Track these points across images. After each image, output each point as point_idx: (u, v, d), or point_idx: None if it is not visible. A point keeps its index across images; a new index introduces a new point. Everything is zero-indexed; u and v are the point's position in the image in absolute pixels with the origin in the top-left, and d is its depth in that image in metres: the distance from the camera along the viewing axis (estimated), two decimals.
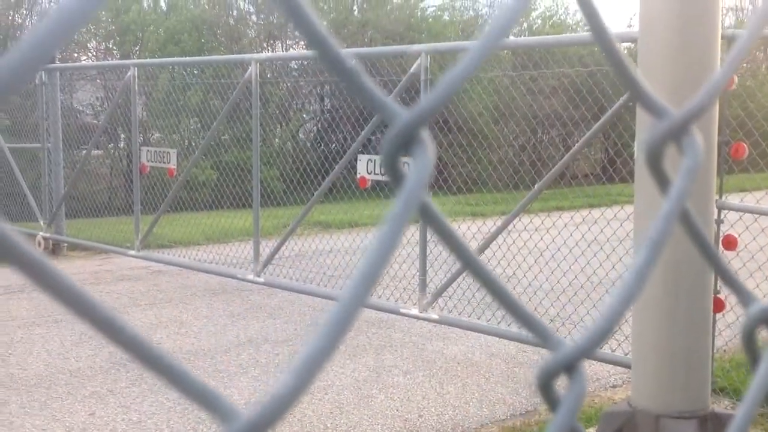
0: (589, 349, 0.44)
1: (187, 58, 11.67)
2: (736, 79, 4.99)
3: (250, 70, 7.43)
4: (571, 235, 5.80)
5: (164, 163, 8.22)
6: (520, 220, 5.73)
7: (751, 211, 4.83)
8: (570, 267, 5.66)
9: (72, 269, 8.63)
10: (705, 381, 2.83)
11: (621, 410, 2.79)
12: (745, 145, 4.89)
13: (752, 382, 0.55)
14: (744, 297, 0.58)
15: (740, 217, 4.92)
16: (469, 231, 6.63)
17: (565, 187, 10.85)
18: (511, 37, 16.64)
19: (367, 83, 0.38)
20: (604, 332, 0.45)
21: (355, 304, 0.36)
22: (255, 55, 8.20)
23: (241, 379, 5.21)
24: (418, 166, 0.38)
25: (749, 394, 0.53)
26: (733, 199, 5.16)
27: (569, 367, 0.44)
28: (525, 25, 17.49)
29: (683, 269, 2.81)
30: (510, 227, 5.71)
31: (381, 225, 0.40)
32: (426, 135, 0.39)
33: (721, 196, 4.86)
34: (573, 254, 5.74)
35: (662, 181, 0.47)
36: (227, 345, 5.90)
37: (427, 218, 0.40)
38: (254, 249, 7.19)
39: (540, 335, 0.46)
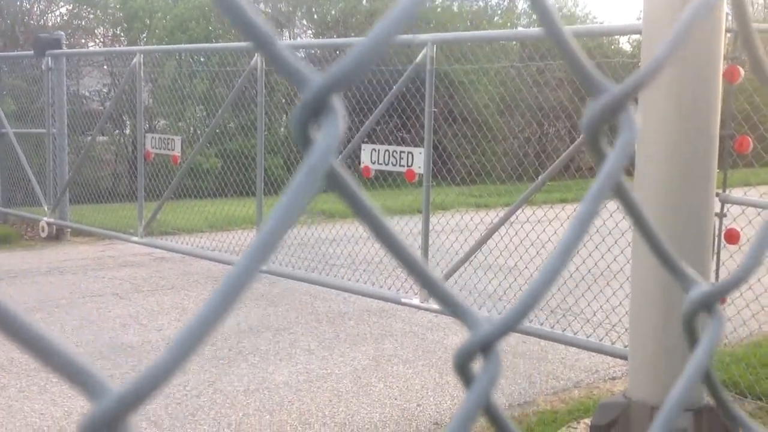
0: (506, 330, 0.43)
1: (193, 45, 11.65)
2: (742, 72, 4.95)
3: (255, 58, 7.42)
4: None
5: (169, 150, 8.23)
6: (523, 211, 5.71)
7: (754, 205, 4.80)
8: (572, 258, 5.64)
9: (75, 254, 8.65)
10: None
11: (617, 402, 2.78)
12: (749, 138, 4.86)
13: (687, 366, 0.53)
14: (684, 280, 0.56)
15: (743, 211, 4.89)
16: (472, 222, 6.62)
17: (569, 179, 10.81)
18: (520, 28, 16.55)
19: (279, 47, 0.37)
20: (522, 312, 0.43)
21: (247, 273, 0.35)
22: None
23: (241, 366, 5.22)
24: (326, 134, 0.37)
25: (683, 377, 0.52)
26: (736, 193, 5.13)
27: (485, 347, 0.43)
28: (534, 16, 17.37)
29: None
30: (513, 218, 5.69)
31: (284, 192, 0.39)
32: (338, 102, 0.38)
33: (724, 190, 4.84)
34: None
35: (600, 159, 0.46)
36: (228, 332, 5.91)
37: (335, 186, 0.39)
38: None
39: (457, 314, 0.45)
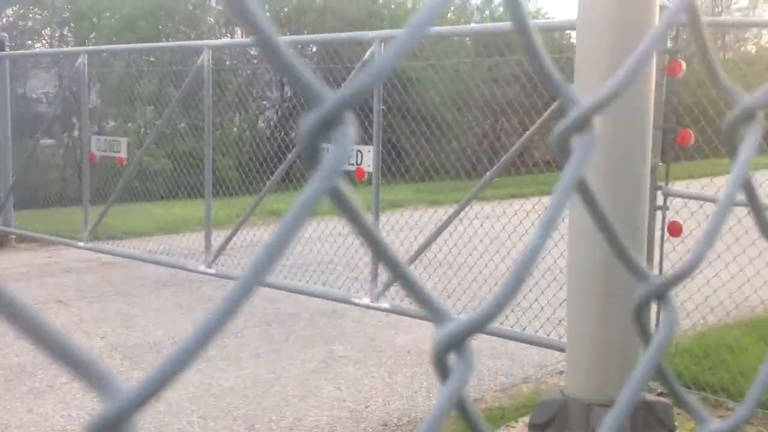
0: (481, 325, 0.41)
1: (138, 45, 11.41)
2: (684, 65, 4.99)
3: (202, 55, 7.31)
4: (521, 222, 5.79)
5: (114, 152, 8.06)
6: (471, 207, 5.69)
7: (696, 198, 4.84)
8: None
9: (19, 261, 8.42)
10: None
11: (554, 399, 2.76)
12: (691, 132, 4.90)
13: (640, 361, 0.51)
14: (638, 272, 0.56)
15: (685, 204, 4.94)
16: (422, 219, 6.58)
17: (522, 174, 10.87)
18: (472, 24, 16.57)
19: (294, 61, 0.35)
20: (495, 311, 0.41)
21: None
22: (208, 42, 8.06)
23: (187, 373, 5.11)
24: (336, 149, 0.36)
25: (637, 371, 0.49)
26: (679, 186, 5.18)
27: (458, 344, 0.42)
28: (487, 12, 17.45)
29: (616, 262, 2.78)
30: (466, 215, 5.67)
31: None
32: (350, 118, 0.36)
33: (667, 183, 4.87)
34: (522, 242, 5.71)
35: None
36: (174, 338, 5.80)
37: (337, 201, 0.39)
38: (205, 239, 7.07)
39: (426, 306, 0.42)
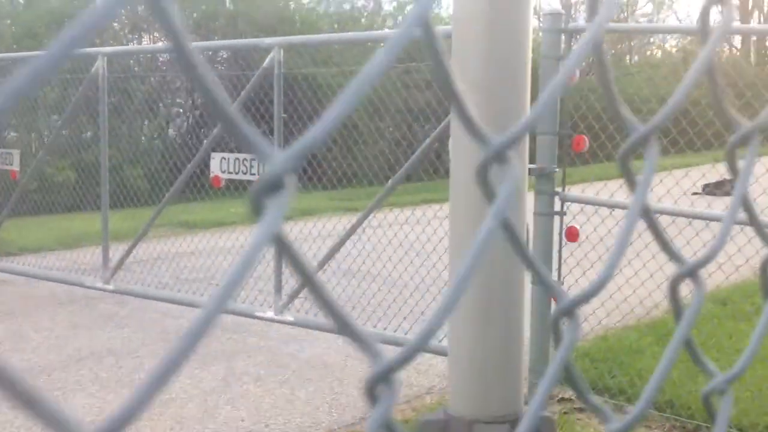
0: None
1: (29, 53, 10.94)
2: (577, 73, 5.04)
3: (97, 62, 7.05)
4: (435, 231, 5.76)
5: (7, 164, 7.69)
6: (385, 215, 5.62)
7: (592, 203, 4.89)
8: (433, 264, 5.59)
9: None
10: (518, 385, 2.77)
11: (436, 418, 2.70)
12: (585, 138, 4.95)
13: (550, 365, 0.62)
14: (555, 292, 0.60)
15: (582, 209, 4.98)
16: (336, 227, 6.47)
17: (436, 180, 10.91)
18: (385, 29, 16.59)
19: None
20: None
21: None
22: (102, 49, 7.76)
23: (78, 397, 4.86)
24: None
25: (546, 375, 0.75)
26: (575, 190, 5.22)
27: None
28: (400, 18, 17.47)
29: (496, 274, 2.73)
30: (381, 221, 5.60)
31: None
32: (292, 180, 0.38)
33: (563, 189, 4.91)
34: (426, 250, 5.68)
35: None
36: (67, 360, 5.52)
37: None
38: (103, 253, 6.79)
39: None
